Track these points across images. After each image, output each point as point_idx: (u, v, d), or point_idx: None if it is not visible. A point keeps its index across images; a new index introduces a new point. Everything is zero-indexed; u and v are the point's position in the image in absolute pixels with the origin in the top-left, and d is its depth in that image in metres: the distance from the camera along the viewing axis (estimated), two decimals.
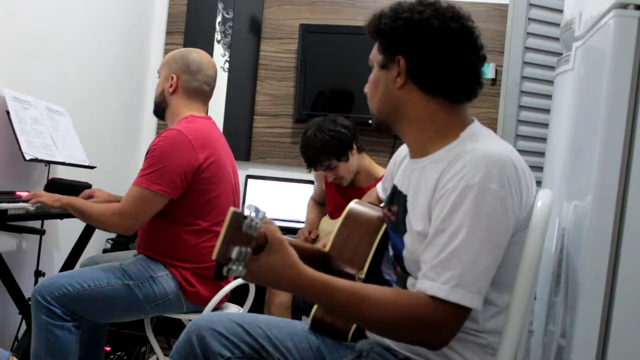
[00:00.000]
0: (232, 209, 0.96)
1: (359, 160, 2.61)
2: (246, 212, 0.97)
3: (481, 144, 1.21)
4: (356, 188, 2.64)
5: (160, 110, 2.20)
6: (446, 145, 1.25)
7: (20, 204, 2.02)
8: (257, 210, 0.98)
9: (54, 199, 2.04)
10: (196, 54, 2.18)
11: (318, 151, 2.49)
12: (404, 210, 1.29)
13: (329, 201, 2.80)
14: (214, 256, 0.95)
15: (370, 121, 1.37)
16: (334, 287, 1.10)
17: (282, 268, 1.06)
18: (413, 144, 1.33)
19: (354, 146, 2.56)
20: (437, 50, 1.23)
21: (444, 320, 1.10)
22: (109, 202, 2.17)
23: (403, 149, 1.46)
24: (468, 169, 1.15)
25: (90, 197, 2.25)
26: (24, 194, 2.11)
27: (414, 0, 1.27)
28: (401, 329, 1.12)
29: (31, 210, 2.03)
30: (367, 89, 1.34)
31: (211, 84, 2.20)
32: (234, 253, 0.95)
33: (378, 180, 2.61)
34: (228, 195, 2.12)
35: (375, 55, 1.31)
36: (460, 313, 1.11)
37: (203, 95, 2.18)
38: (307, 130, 2.56)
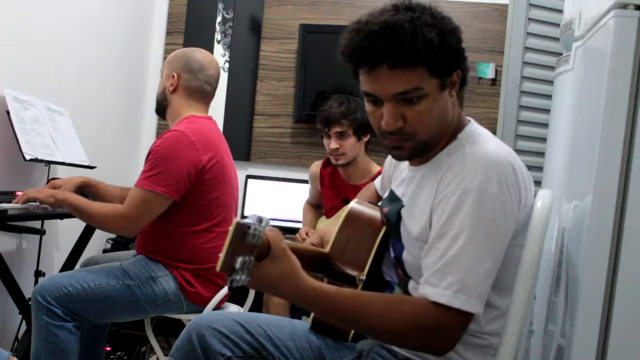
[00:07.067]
0: (235, 220, 0.95)
1: (361, 153, 2.63)
2: (249, 222, 0.96)
3: (479, 146, 1.20)
4: (351, 185, 2.65)
5: (161, 108, 2.18)
6: (445, 148, 1.25)
7: (12, 205, 1.92)
8: (260, 220, 0.97)
9: (47, 194, 1.96)
10: (199, 54, 2.17)
11: (349, 112, 2.53)
12: (398, 218, 1.29)
13: (325, 201, 2.80)
14: (218, 268, 0.94)
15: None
16: (335, 297, 1.10)
17: (283, 277, 1.05)
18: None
19: (368, 136, 2.59)
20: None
21: (447, 326, 1.10)
22: (74, 189, 2.14)
23: None
24: (467, 173, 1.15)
25: (53, 188, 2.12)
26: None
27: (423, 14, 1.15)
28: (405, 336, 1.12)
29: (24, 209, 1.92)
30: (418, 124, 1.18)
31: (212, 84, 2.18)
32: (238, 263, 0.95)
33: (373, 177, 2.63)
34: (229, 197, 2.11)
35: (422, 83, 1.15)
36: (463, 318, 1.11)
37: (203, 95, 2.16)
38: (336, 96, 2.61)
